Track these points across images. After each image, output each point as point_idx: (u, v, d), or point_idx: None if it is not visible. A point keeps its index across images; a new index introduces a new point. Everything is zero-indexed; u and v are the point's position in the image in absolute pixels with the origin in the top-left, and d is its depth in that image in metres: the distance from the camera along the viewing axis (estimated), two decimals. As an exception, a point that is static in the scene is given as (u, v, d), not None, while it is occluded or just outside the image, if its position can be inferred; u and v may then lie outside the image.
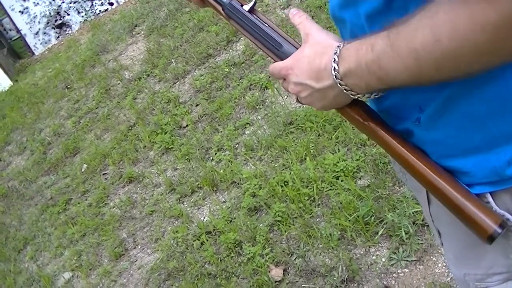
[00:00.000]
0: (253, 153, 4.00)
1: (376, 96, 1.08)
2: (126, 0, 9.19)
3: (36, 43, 9.57)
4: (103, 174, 5.02)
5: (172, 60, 5.96)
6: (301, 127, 3.87)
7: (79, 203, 4.82)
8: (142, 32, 7.31)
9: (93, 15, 9.34)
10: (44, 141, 6.25)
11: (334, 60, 1.03)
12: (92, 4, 9.41)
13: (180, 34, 6.38)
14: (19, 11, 9.43)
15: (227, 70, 5.14)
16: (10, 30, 9.95)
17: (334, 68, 1.03)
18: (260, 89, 4.60)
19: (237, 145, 4.22)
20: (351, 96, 1.06)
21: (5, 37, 9.91)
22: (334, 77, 1.04)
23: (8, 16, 9.49)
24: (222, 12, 1.33)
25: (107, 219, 4.40)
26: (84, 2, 9.40)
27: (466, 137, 1.06)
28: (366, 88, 1.03)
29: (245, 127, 4.33)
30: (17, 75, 9.04)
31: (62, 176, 5.41)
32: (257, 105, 4.45)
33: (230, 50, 5.44)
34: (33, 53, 9.59)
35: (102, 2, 9.36)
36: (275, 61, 1.24)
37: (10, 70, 9.01)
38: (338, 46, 1.04)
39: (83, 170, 5.25)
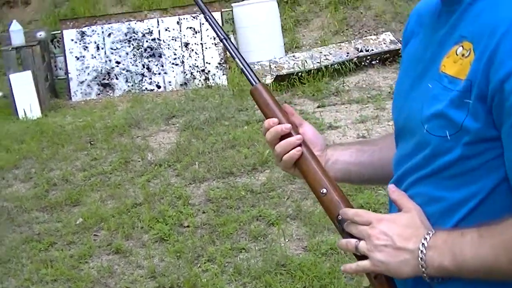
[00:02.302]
0: (239, 277, 4.24)
1: (437, 282, 1.19)
2: (174, 90, 9.65)
3: (77, 90, 9.96)
4: (95, 234, 5.23)
5: (196, 163, 6.27)
6: (292, 273, 4.13)
7: (62, 250, 5.00)
8: (178, 125, 7.62)
9: (138, 89, 9.77)
10: (51, 181, 6.46)
11: (428, 234, 1.18)
12: (142, 80, 9.87)
13: (212, 142, 6.71)
14: (75, 57, 9.91)
15: (243, 193, 5.44)
16: (60, 69, 10.36)
17: (425, 238, 1.17)
18: (267, 224, 4.89)
19: (227, 264, 4.46)
20: (420, 267, 1.16)
21: (52, 73, 10.32)
22: (421, 242, 1.17)
23: (64, 56, 9.97)
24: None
25: (83, 275, 4.58)
26: (136, 74, 9.87)
27: None
28: (438, 264, 1.15)
29: (241, 251, 4.58)
30: (49, 111, 9.36)
31: (56, 219, 5.60)
32: (258, 237, 4.72)
33: (252, 177, 5.76)
34: (71, 98, 9.97)
35: (151, 82, 9.83)
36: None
37: (45, 103, 9.36)
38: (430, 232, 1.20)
39: (77, 222, 5.46)
